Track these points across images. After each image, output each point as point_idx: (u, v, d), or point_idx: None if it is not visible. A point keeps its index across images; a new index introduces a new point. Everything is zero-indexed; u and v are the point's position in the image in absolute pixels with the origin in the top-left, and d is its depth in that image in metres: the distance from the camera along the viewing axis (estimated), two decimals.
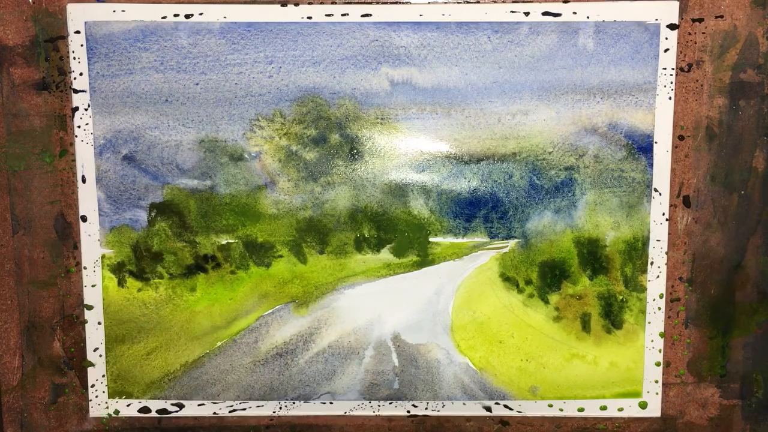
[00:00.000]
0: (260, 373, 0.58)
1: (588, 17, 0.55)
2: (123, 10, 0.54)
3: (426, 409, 0.59)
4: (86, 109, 0.55)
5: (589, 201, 0.57)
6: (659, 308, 0.58)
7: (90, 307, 0.57)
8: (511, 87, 0.56)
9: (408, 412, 0.59)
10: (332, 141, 0.56)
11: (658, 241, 0.57)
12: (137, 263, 0.57)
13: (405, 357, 0.58)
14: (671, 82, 0.55)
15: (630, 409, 0.59)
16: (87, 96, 0.55)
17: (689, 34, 0.55)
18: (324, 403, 0.59)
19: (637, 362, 0.58)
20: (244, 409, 0.59)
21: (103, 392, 0.59)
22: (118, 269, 0.57)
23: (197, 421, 0.59)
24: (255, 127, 0.56)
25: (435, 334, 0.58)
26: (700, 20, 0.54)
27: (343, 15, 0.54)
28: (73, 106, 0.55)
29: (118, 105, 0.55)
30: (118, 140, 0.56)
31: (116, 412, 0.59)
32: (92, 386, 0.59)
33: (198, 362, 0.58)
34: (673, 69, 0.55)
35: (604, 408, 0.59)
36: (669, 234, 0.57)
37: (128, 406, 0.59)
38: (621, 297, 0.58)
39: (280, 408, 0.59)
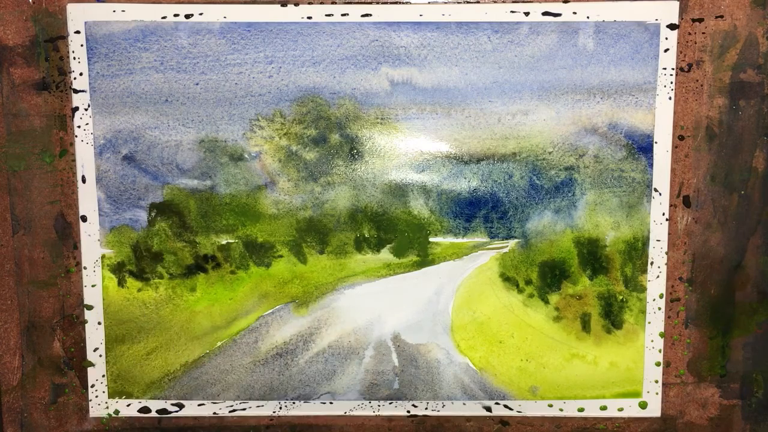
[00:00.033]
0: (260, 373, 0.58)
1: (588, 17, 0.55)
2: (123, 10, 0.54)
3: (426, 409, 0.59)
4: (86, 109, 0.55)
5: (589, 201, 0.57)
6: (659, 308, 0.58)
7: (90, 307, 0.57)
8: (511, 87, 0.56)
9: (408, 412, 0.59)
10: (332, 141, 0.56)
11: (658, 241, 0.57)
12: (137, 263, 0.57)
13: (405, 357, 0.58)
14: (671, 82, 0.55)
15: (630, 409, 0.59)
16: (87, 96, 0.55)
17: (689, 34, 0.55)
18: (324, 403, 0.59)
19: (637, 362, 0.58)
20: (244, 409, 0.59)
21: (103, 392, 0.59)
22: (118, 269, 0.57)
23: (197, 421, 0.59)
24: (255, 127, 0.56)
25: (435, 334, 0.58)
26: (700, 20, 0.54)
27: (343, 15, 0.54)
28: (73, 106, 0.55)
29: (118, 105, 0.55)
30: (118, 140, 0.56)
31: (116, 412, 0.59)
32: (92, 386, 0.59)
33: (198, 362, 0.58)
34: (673, 69, 0.55)
35: (604, 408, 0.59)
36: (669, 234, 0.57)
37: (128, 406, 0.59)
38: (621, 297, 0.58)
39: (280, 408, 0.59)
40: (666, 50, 0.55)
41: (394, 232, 0.57)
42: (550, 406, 0.59)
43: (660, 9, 0.54)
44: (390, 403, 0.59)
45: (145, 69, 0.55)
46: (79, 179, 0.56)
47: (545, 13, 0.55)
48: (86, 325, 0.58)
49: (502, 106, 0.56)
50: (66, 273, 0.57)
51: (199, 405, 0.59)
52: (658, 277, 0.58)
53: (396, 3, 0.55)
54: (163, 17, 0.54)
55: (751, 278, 0.58)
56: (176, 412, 0.59)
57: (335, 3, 0.54)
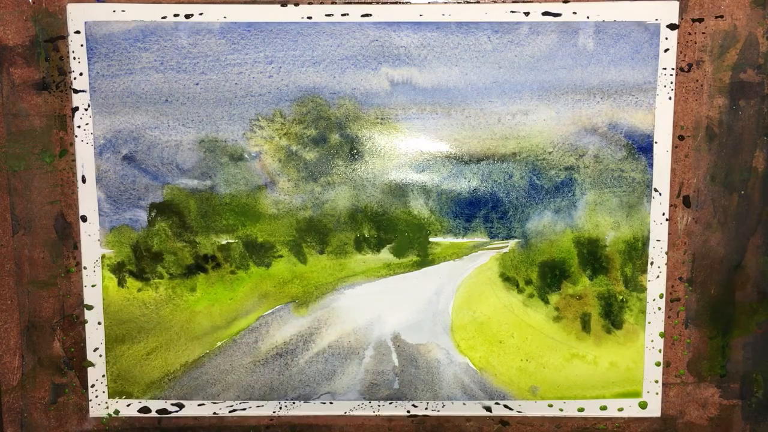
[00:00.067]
0: (260, 373, 0.58)
1: (588, 17, 0.55)
2: (123, 10, 0.54)
3: (426, 409, 0.59)
4: (86, 109, 0.55)
5: (589, 201, 0.57)
6: (659, 308, 0.58)
7: (90, 307, 0.57)
8: (511, 87, 0.56)
9: (408, 412, 0.59)
10: (332, 141, 0.56)
11: (658, 241, 0.57)
12: (137, 263, 0.57)
13: (405, 357, 0.58)
14: (671, 82, 0.55)
15: (630, 409, 0.59)
16: (87, 96, 0.55)
17: (689, 34, 0.55)
18: (324, 403, 0.59)
19: (637, 362, 0.58)
20: (244, 409, 0.59)
21: (103, 392, 0.59)
22: (118, 269, 0.57)
23: (197, 421, 0.59)
24: (255, 127, 0.56)
25: (435, 334, 0.58)
26: (700, 20, 0.54)
27: (343, 15, 0.54)
28: (73, 106, 0.55)
29: (118, 105, 0.55)
30: (118, 140, 0.56)
31: (116, 412, 0.59)
32: (92, 386, 0.59)
33: (198, 362, 0.58)
34: (673, 69, 0.55)
35: (604, 408, 0.59)
36: (669, 234, 0.57)
37: (128, 406, 0.59)
38: (621, 297, 0.58)
39: (280, 408, 0.59)
40: (666, 50, 0.55)
41: (394, 232, 0.57)
42: (550, 406, 0.59)
43: (660, 9, 0.54)
44: (390, 403, 0.59)
45: (145, 69, 0.55)
46: (79, 179, 0.56)
47: (545, 13, 0.55)
48: (86, 325, 0.58)
49: (502, 106, 0.56)
50: (66, 273, 0.57)
51: (199, 405, 0.59)
52: (658, 277, 0.58)
53: (396, 3, 0.55)
54: (163, 17, 0.54)
55: (751, 278, 0.58)
56: (176, 412, 0.59)
57: (335, 3, 0.54)
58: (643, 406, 0.59)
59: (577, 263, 0.58)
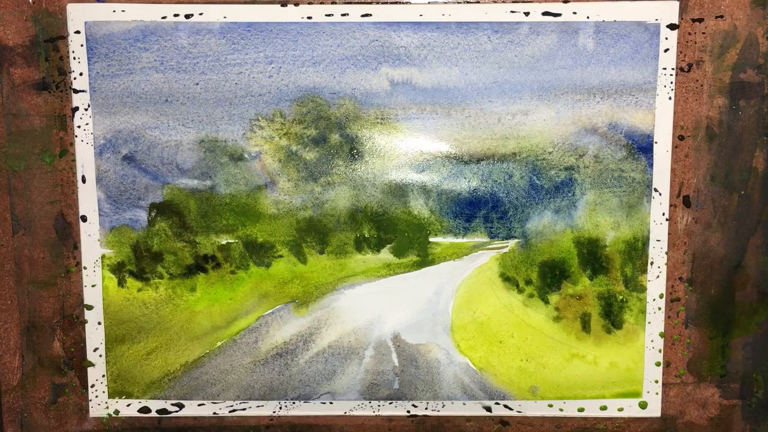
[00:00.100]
0: (260, 373, 0.58)
1: (588, 17, 0.55)
2: (123, 10, 0.54)
3: (426, 409, 0.59)
4: (86, 109, 0.55)
5: (589, 201, 0.57)
6: (659, 308, 0.58)
7: (90, 307, 0.57)
8: (511, 87, 0.56)
9: (408, 412, 0.59)
10: (332, 141, 0.56)
11: (658, 241, 0.57)
12: (137, 263, 0.57)
13: (405, 357, 0.58)
14: (671, 82, 0.55)
15: (630, 409, 0.59)
16: (87, 96, 0.55)
17: (689, 34, 0.55)
18: (324, 403, 0.59)
19: (637, 362, 0.58)
20: (244, 409, 0.59)
21: (103, 392, 0.59)
22: (118, 269, 0.57)
23: (197, 421, 0.59)
24: (255, 127, 0.56)
25: (435, 334, 0.58)
26: (700, 20, 0.54)
27: (343, 15, 0.54)
28: (73, 106, 0.55)
29: (118, 105, 0.55)
30: (118, 140, 0.56)
31: (116, 412, 0.59)
32: (92, 386, 0.59)
33: (198, 362, 0.58)
34: (673, 69, 0.55)
35: (604, 408, 0.59)
36: (669, 234, 0.57)
37: (128, 406, 0.59)
38: (621, 297, 0.58)
39: (280, 408, 0.59)
40: (666, 50, 0.55)
41: (394, 232, 0.57)
42: (550, 406, 0.59)
43: (660, 9, 0.54)
44: (390, 403, 0.59)
45: (145, 69, 0.55)
46: (79, 179, 0.56)
47: (545, 13, 0.55)
48: (86, 325, 0.58)
49: (502, 106, 0.56)
50: (66, 273, 0.57)
51: (199, 405, 0.59)
52: (658, 277, 0.58)
53: (396, 3, 0.55)
54: (163, 17, 0.54)
55: (751, 278, 0.58)
56: (176, 412, 0.59)
57: (335, 3, 0.54)
58: (643, 406, 0.59)
59: (577, 263, 0.58)
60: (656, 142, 0.56)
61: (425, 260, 0.58)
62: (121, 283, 0.57)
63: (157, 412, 0.59)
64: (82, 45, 0.54)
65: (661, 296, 0.58)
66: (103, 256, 0.57)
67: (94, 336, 0.58)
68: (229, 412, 0.59)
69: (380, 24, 0.55)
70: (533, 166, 0.57)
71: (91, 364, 0.58)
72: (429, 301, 0.58)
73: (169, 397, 0.59)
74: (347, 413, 0.59)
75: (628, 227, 0.57)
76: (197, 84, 0.55)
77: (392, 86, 0.55)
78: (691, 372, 0.59)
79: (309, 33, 0.55)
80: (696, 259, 0.57)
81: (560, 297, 0.58)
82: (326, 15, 0.54)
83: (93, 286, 0.57)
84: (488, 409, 0.59)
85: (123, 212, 0.57)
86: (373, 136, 0.56)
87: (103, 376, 0.58)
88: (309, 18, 0.54)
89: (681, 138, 0.56)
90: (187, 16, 0.54)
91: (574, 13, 0.55)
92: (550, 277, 0.58)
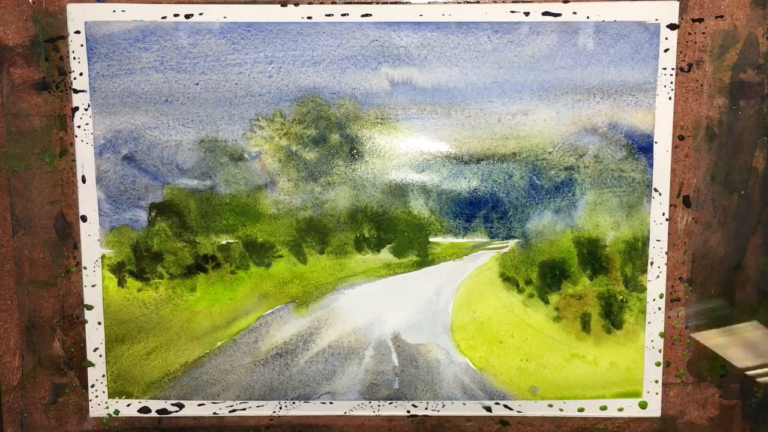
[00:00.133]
0: (260, 373, 0.58)
1: (588, 17, 0.55)
2: (123, 10, 0.54)
3: (426, 409, 0.59)
4: (86, 109, 0.55)
5: (589, 201, 0.57)
6: (659, 308, 0.58)
7: (90, 307, 0.57)
8: (511, 87, 0.56)
9: (408, 412, 0.59)
10: (332, 141, 0.56)
11: (658, 241, 0.57)
12: (137, 263, 0.57)
13: (405, 357, 0.58)
14: (671, 82, 0.55)
15: (630, 409, 0.59)
16: (87, 96, 0.55)
17: (689, 34, 0.55)
18: (324, 403, 0.59)
19: (637, 362, 0.58)
20: (244, 409, 0.59)
21: (103, 392, 0.59)
22: (118, 269, 0.57)
23: (197, 421, 0.59)
24: (255, 127, 0.56)
25: (435, 334, 0.58)
26: (700, 20, 0.55)
27: (343, 15, 0.54)
28: (73, 106, 0.55)
29: (118, 105, 0.55)
30: (118, 140, 0.56)
31: (116, 412, 0.59)
32: (92, 386, 0.59)
33: (198, 362, 0.58)
34: (673, 69, 0.55)
35: (604, 408, 0.59)
36: (669, 234, 0.57)
37: (128, 406, 0.59)
38: (621, 297, 0.58)
39: (280, 408, 0.59)
40: (666, 50, 0.55)
41: (394, 232, 0.57)
42: (550, 406, 0.59)
43: (660, 9, 0.54)
44: (390, 403, 0.59)
45: (145, 69, 0.55)
46: (79, 179, 0.56)
47: (545, 13, 0.55)
48: (86, 325, 0.58)
49: (502, 106, 0.56)
50: (66, 273, 0.57)
51: (199, 405, 0.59)
52: (658, 277, 0.58)
53: (396, 3, 0.55)
54: (163, 17, 0.54)
55: (751, 278, 0.58)
56: (176, 412, 0.59)
57: (335, 3, 0.54)
58: (643, 406, 0.59)
59: (577, 263, 0.58)
60: (656, 142, 0.56)
61: (425, 260, 0.58)
62: (121, 283, 0.57)
63: (157, 412, 0.59)
64: (82, 45, 0.54)
65: (661, 296, 0.58)
66: (103, 256, 0.57)
67: (94, 336, 0.58)
68: (229, 412, 0.59)
69: (380, 24, 0.55)
70: (533, 166, 0.57)
71: (91, 364, 0.58)
72: (429, 301, 0.58)
73: (169, 397, 0.59)
74: (347, 413, 0.59)
75: (628, 227, 0.57)
76: (197, 84, 0.55)
77: (392, 86, 0.55)
78: (691, 372, 0.59)
79: (309, 33, 0.55)
80: (696, 259, 0.57)
81: (560, 297, 0.58)
82: (326, 15, 0.54)
83: (93, 286, 0.57)
84: (488, 409, 0.59)
85: (123, 212, 0.57)
86: (373, 136, 0.56)
87: (103, 376, 0.58)
88: (309, 18, 0.54)
89: (681, 138, 0.56)
90: (187, 16, 0.54)
91: (574, 13, 0.55)
92: (550, 277, 0.58)
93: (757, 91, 0.55)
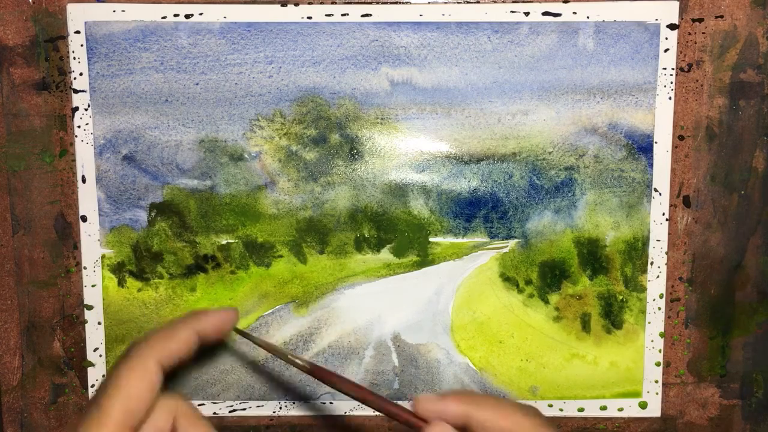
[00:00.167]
0: (260, 373, 0.58)
1: (588, 17, 0.55)
2: (123, 10, 0.54)
3: None
4: (86, 109, 0.55)
5: (589, 201, 0.57)
6: (659, 308, 0.58)
7: (90, 307, 0.57)
8: (511, 87, 0.56)
9: None
10: (332, 141, 0.56)
11: (658, 241, 0.57)
12: (137, 263, 0.57)
13: (405, 357, 0.58)
14: (671, 82, 0.55)
15: (630, 409, 0.59)
16: (87, 96, 0.55)
17: (689, 34, 0.55)
18: (324, 403, 0.59)
19: (637, 362, 0.58)
20: (244, 409, 0.59)
21: None
22: (118, 269, 0.57)
23: None
24: (255, 127, 0.56)
25: (435, 334, 0.58)
26: (700, 20, 0.54)
27: (343, 15, 0.54)
28: (73, 106, 0.55)
29: (118, 105, 0.55)
30: (118, 140, 0.56)
31: None
32: (92, 386, 0.59)
33: (198, 362, 0.58)
34: (673, 69, 0.55)
35: (604, 408, 0.59)
36: (669, 234, 0.57)
37: None
38: (621, 297, 0.58)
39: (280, 408, 0.59)
40: (666, 50, 0.55)
41: (394, 232, 0.57)
42: (550, 406, 0.59)
43: (660, 9, 0.54)
44: None
45: (145, 69, 0.55)
46: (79, 179, 0.56)
47: (545, 13, 0.55)
48: (86, 325, 0.58)
49: (502, 106, 0.56)
50: (66, 273, 0.57)
51: (199, 405, 0.59)
52: (658, 277, 0.58)
53: (396, 3, 0.55)
54: (163, 17, 0.54)
55: (751, 278, 0.58)
56: None
57: (335, 3, 0.54)
58: (643, 406, 0.59)
59: (577, 263, 0.58)
60: (656, 142, 0.56)
61: (425, 260, 0.58)
62: (121, 283, 0.57)
63: None
64: (82, 45, 0.54)
65: (661, 296, 0.58)
66: (103, 256, 0.57)
67: (94, 336, 0.58)
68: (229, 412, 0.59)
69: (380, 24, 0.55)
70: (533, 166, 0.57)
71: (91, 364, 0.58)
72: (429, 301, 0.58)
73: None
74: (347, 413, 0.59)
75: (628, 227, 0.57)
76: (197, 84, 0.55)
77: (392, 86, 0.55)
78: (691, 372, 0.59)
79: (309, 33, 0.55)
80: (696, 259, 0.57)
81: (560, 297, 0.58)
82: (326, 15, 0.54)
83: (93, 286, 0.57)
84: None
85: (123, 212, 0.57)
86: (373, 136, 0.56)
87: (103, 376, 0.58)
88: (309, 18, 0.54)
89: (681, 138, 0.56)
90: (187, 16, 0.54)
91: (574, 13, 0.55)
92: (550, 277, 0.58)
93: (757, 91, 0.55)
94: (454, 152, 0.56)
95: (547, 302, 0.58)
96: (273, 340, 0.58)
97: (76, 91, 0.55)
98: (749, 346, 0.58)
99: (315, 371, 0.45)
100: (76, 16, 0.54)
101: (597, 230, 0.57)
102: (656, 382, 0.59)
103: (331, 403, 0.59)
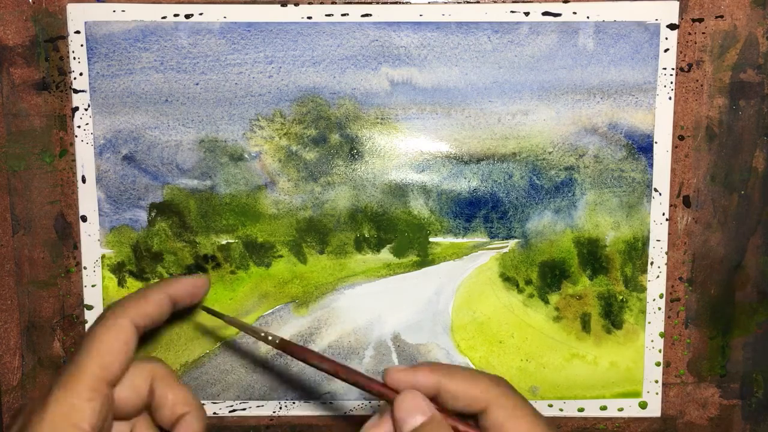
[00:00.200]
0: (260, 373, 0.58)
1: (588, 17, 0.55)
2: (123, 10, 0.54)
3: None
4: (86, 109, 0.55)
5: (589, 201, 0.57)
6: (659, 308, 0.58)
7: (90, 307, 0.57)
8: (511, 87, 0.56)
9: None
10: (332, 141, 0.56)
11: (658, 241, 0.57)
12: (137, 263, 0.57)
13: (405, 357, 0.58)
14: (671, 82, 0.55)
15: (630, 409, 0.59)
16: (87, 96, 0.55)
17: (689, 34, 0.55)
18: (324, 403, 0.59)
19: (637, 362, 0.58)
20: (244, 409, 0.59)
21: None
22: (118, 269, 0.57)
23: None
24: (255, 127, 0.56)
25: (435, 334, 0.58)
26: (700, 20, 0.55)
27: (343, 15, 0.54)
28: (73, 106, 0.55)
29: (118, 105, 0.55)
30: (118, 140, 0.56)
31: None
32: None
33: (198, 362, 0.58)
34: (673, 69, 0.55)
35: (604, 408, 0.59)
36: (669, 234, 0.57)
37: None
38: (621, 297, 0.58)
39: (280, 408, 0.59)
40: (666, 50, 0.55)
41: (394, 232, 0.57)
42: (550, 406, 0.59)
43: (660, 9, 0.54)
44: None
45: (145, 69, 0.55)
46: (79, 179, 0.56)
47: (545, 13, 0.55)
48: (86, 325, 0.58)
49: (502, 106, 0.56)
50: (66, 273, 0.57)
51: None
52: (658, 277, 0.58)
53: (396, 3, 0.55)
54: (163, 17, 0.54)
55: (751, 278, 0.58)
56: None
57: (335, 3, 0.54)
58: (643, 406, 0.59)
59: (577, 263, 0.58)
60: (656, 142, 0.56)
61: (425, 260, 0.58)
62: (121, 283, 0.57)
63: None
64: (82, 45, 0.54)
65: (661, 296, 0.58)
66: (103, 256, 0.57)
67: None
68: (229, 412, 0.59)
69: (380, 24, 0.55)
70: (533, 166, 0.57)
71: None
72: (429, 301, 0.58)
73: None
74: (347, 413, 0.59)
75: (628, 227, 0.57)
76: (197, 84, 0.55)
77: (392, 86, 0.55)
78: (691, 372, 0.59)
79: (309, 33, 0.55)
80: (696, 259, 0.57)
81: (560, 297, 0.58)
82: (326, 15, 0.54)
83: (93, 286, 0.57)
84: None
85: (123, 212, 0.57)
86: (373, 136, 0.56)
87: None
88: (309, 18, 0.54)
89: (681, 138, 0.56)
90: (187, 16, 0.54)
91: (574, 13, 0.55)
92: (550, 277, 0.58)
93: (757, 91, 0.55)
94: (454, 152, 0.56)
95: (547, 302, 0.58)
96: None
97: (76, 91, 0.55)
98: (749, 346, 0.58)
99: (286, 347, 0.46)
100: (76, 16, 0.54)
101: (597, 230, 0.57)
102: (656, 382, 0.59)
103: (331, 403, 0.59)
